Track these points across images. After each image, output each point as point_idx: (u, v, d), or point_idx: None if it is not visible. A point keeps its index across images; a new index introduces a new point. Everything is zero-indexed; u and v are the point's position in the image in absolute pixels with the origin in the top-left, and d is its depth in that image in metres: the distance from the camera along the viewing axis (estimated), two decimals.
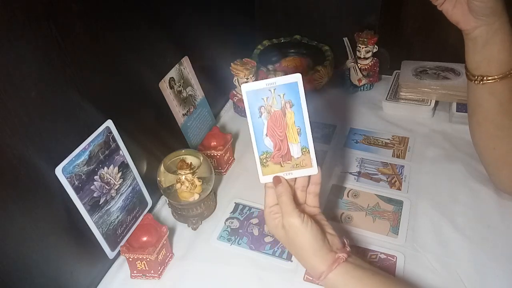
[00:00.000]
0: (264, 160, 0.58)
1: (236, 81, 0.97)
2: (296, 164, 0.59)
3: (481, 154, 0.74)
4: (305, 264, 0.58)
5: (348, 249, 0.58)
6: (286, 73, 1.04)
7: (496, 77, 0.64)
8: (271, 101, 0.57)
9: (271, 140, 0.58)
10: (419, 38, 1.11)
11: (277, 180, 0.59)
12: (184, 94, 0.86)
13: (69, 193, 0.57)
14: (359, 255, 0.64)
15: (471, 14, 0.62)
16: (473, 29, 0.63)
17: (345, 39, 1.06)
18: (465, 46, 0.66)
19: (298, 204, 0.59)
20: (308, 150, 0.59)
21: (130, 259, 0.65)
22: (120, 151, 0.66)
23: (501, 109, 0.66)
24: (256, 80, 0.95)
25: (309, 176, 0.60)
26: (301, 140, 0.58)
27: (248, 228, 0.75)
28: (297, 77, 0.56)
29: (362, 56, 1.05)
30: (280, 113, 0.57)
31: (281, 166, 0.59)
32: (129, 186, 0.68)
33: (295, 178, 0.60)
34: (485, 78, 0.65)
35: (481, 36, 0.63)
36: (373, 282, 0.55)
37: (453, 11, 0.64)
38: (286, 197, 0.57)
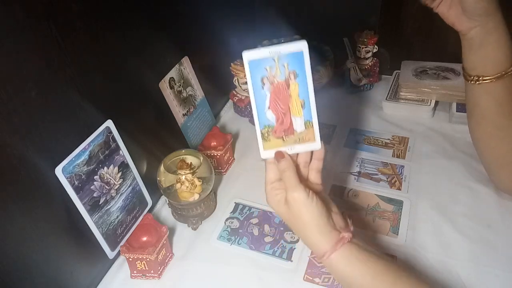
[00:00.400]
0: (266, 134, 0.55)
1: (236, 81, 0.97)
2: (299, 139, 0.56)
3: (481, 154, 0.74)
4: (307, 242, 0.56)
5: (351, 228, 0.56)
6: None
7: (492, 77, 0.64)
8: (274, 71, 0.53)
9: (273, 112, 0.55)
10: (419, 38, 1.11)
11: (280, 155, 0.56)
12: (184, 94, 0.86)
13: (69, 193, 0.57)
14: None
15: (465, 15, 0.63)
16: (468, 30, 0.63)
17: (345, 39, 1.06)
18: (462, 47, 0.66)
19: (300, 181, 0.56)
20: (312, 124, 0.56)
21: (130, 259, 0.65)
22: (120, 151, 0.66)
23: (499, 109, 0.66)
24: None
25: (312, 152, 0.58)
26: (305, 113, 0.55)
27: (248, 228, 0.75)
28: (304, 46, 0.52)
29: (362, 56, 1.05)
30: (283, 84, 0.54)
31: (283, 140, 0.56)
32: (129, 186, 0.68)
33: (297, 153, 0.58)
34: (481, 78, 0.65)
35: (477, 36, 0.63)
36: (377, 266, 0.53)
37: (449, 13, 0.65)
38: (290, 172, 0.55)
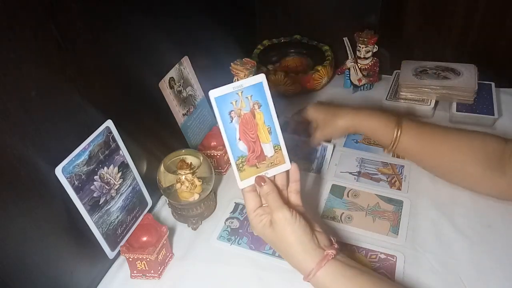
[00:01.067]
0: (240, 164, 0.59)
1: (236, 81, 0.97)
2: (271, 163, 0.60)
3: (455, 184, 0.78)
4: (293, 262, 0.58)
5: (336, 246, 0.58)
6: (286, 72, 1.04)
7: (392, 147, 0.77)
8: (239, 104, 0.57)
9: (244, 143, 0.58)
10: (419, 38, 1.11)
11: (261, 179, 0.59)
12: (184, 94, 0.86)
13: (69, 193, 0.57)
14: (349, 252, 0.66)
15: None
16: (345, 135, 0.90)
17: (345, 39, 1.05)
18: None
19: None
20: (280, 147, 0.60)
21: (130, 259, 0.65)
22: (120, 151, 0.66)
23: (422, 157, 0.78)
24: None
25: (288, 175, 0.61)
26: (272, 138, 0.60)
27: (248, 228, 0.75)
28: (262, 77, 0.57)
29: (362, 56, 1.05)
30: (249, 115, 0.58)
31: (257, 167, 0.59)
32: (129, 186, 0.68)
33: (274, 178, 0.61)
34: (387, 149, 0.79)
35: (354, 131, 0.82)
36: (362, 280, 0.55)
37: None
38: (273, 194, 0.58)
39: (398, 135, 0.75)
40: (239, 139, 0.58)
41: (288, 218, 0.56)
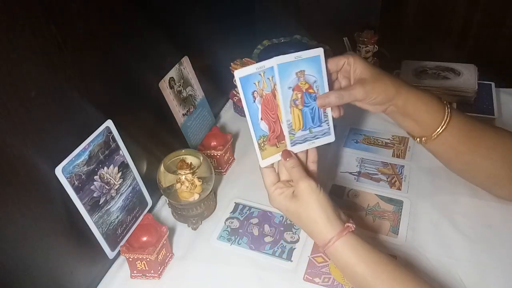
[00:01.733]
0: (262, 144, 0.60)
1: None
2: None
3: (467, 180, 0.75)
4: (313, 229, 0.59)
5: (353, 223, 0.59)
6: None
7: (431, 136, 0.66)
8: (262, 85, 0.58)
9: (265, 123, 0.59)
10: (419, 39, 1.11)
11: (287, 154, 0.60)
12: (184, 94, 0.86)
13: (69, 193, 0.57)
14: None
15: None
16: (384, 110, 0.65)
17: (345, 39, 1.06)
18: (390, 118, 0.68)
19: None
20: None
21: (130, 259, 0.65)
22: (120, 151, 0.66)
23: (456, 151, 0.68)
24: None
25: (307, 155, 0.63)
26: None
27: (248, 228, 0.75)
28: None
29: (362, 56, 1.05)
30: (271, 95, 0.58)
31: (277, 147, 0.61)
32: (129, 186, 0.68)
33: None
34: (423, 138, 0.67)
35: (394, 111, 0.65)
36: (379, 256, 0.56)
37: (360, 105, 0.66)
38: (298, 167, 0.60)
39: (447, 119, 0.64)
40: (261, 119, 0.59)
41: (313, 187, 0.58)
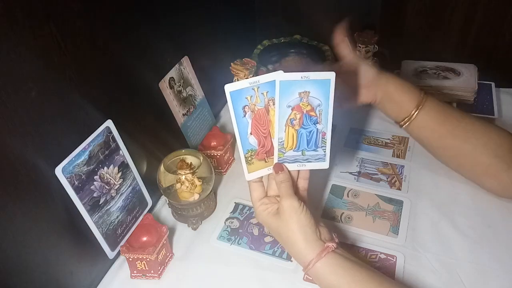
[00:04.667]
0: (249, 158, 0.59)
1: (236, 81, 0.97)
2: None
3: (457, 172, 0.77)
4: (293, 250, 0.59)
5: (336, 240, 0.58)
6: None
7: (411, 115, 0.73)
8: (255, 100, 0.57)
9: (255, 138, 0.59)
10: (419, 38, 1.11)
11: (279, 167, 0.60)
12: (184, 94, 0.86)
13: (69, 193, 0.57)
14: (352, 251, 0.65)
15: (364, 89, 0.75)
16: (374, 98, 0.75)
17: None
18: (380, 110, 0.78)
19: None
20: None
21: (130, 259, 0.65)
22: (120, 151, 0.66)
23: (435, 134, 0.74)
24: None
25: (299, 171, 0.62)
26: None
27: (248, 228, 0.75)
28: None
29: (362, 56, 1.05)
30: (263, 110, 0.58)
31: (265, 161, 0.60)
32: (129, 186, 0.68)
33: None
34: (405, 119, 0.74)
35: (383, 98, 0.75)
36: (361, 273, 0.55)
37: (361, 100, 0.76)
38: (287, 183, 0.59)
39: (423, 100, 0.72)
40: (251, 133, 0.58)
41: (295, 207, 0.57)
